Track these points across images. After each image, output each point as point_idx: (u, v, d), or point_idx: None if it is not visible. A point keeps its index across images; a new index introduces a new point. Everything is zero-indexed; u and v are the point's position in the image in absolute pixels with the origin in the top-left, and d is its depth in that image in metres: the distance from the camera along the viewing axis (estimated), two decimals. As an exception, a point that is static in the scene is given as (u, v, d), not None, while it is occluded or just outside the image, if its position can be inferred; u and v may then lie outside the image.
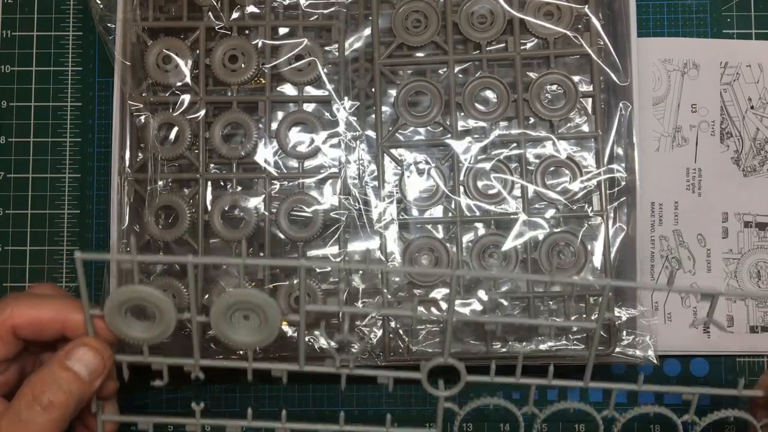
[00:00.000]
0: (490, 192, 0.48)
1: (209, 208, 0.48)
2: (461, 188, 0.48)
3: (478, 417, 0.52)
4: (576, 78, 0.49)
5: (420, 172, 0.49)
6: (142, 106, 0.49)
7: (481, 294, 0.47)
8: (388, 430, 0.38)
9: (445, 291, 0.48)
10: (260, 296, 0.35)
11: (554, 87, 0.49)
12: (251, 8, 0.49)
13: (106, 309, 0.35)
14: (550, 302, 0.49)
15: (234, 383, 0.52)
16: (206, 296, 0.48)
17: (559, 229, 0.48)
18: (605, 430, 0.39)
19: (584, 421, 0.52)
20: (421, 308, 0.49)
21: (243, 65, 0.49)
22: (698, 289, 0.32)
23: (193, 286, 0.36)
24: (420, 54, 0.50)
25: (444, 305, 0.48)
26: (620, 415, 0.38)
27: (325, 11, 0.49)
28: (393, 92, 0.49)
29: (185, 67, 0.49)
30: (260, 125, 0.49)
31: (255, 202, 0.48)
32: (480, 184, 0.48)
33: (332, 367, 0.37)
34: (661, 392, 0.41)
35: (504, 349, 0.48)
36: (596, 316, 0.48)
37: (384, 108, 0.49)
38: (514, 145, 0.48)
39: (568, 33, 0.48)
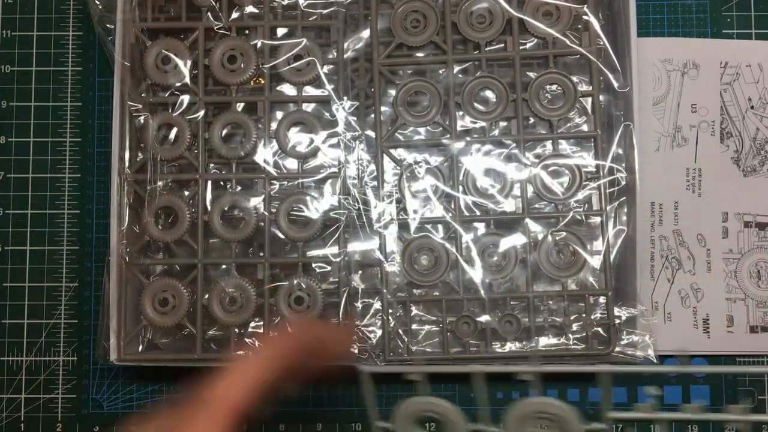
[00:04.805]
0: (490, 192, 0.48)
1: (209, 208, 0.48)
2: (460, 188, 0.48)
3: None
4: (576, 78, 0.49)
5: (419, 172, 0.49)
6: (141, 106, 0.49)
7: (481, 293, 0.48)
8: None
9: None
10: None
11: (554, 87, 0.49)
12: (250, 8, 0.49)
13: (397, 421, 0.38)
14: (550, 302, 0.49)
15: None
16: (206, 296, 0.48)
17: (558, 229, 0.48)
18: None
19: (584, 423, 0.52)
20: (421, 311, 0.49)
21: (242, 65, 0.49)
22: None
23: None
24: (419, 54, 0.50)
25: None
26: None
27: (324, 11, 0.50)
28: (392, 92, 0.49)
29: (184, 67, 0.49)
30: (260, 125, 0.49)
31: (255, 202, 0.49)
32: (479, 183, 0.48)
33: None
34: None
35: (503, 350, 0.48)
36: (594, 315, 0.48)
37: (383, 108, 0.49)
38: (513, 145, 0.48)
39: (565, 34, 0.48)
